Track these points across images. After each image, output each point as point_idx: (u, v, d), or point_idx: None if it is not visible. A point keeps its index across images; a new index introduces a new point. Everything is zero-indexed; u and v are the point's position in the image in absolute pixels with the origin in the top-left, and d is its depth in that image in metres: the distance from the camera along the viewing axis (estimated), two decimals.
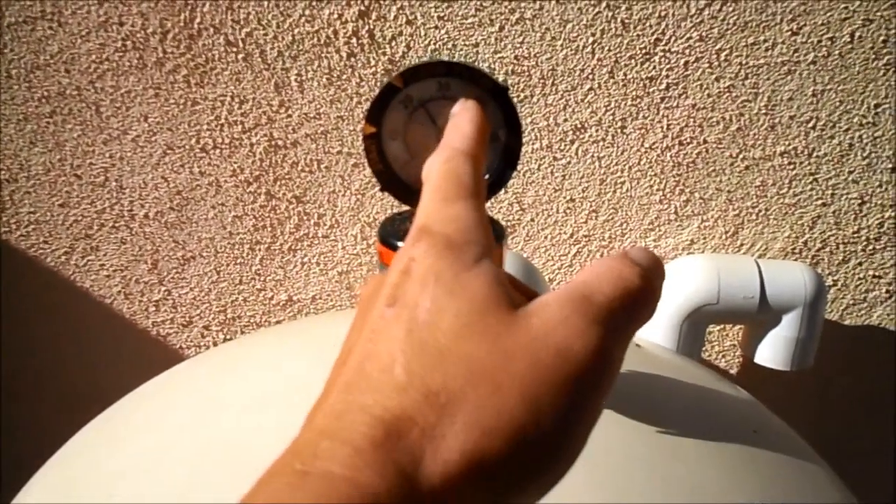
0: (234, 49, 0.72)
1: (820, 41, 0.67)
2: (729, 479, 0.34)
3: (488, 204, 0.34)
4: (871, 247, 0.75)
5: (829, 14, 0.66)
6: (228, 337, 0.85)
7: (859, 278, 0.76)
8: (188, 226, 0.80)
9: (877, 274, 0.76)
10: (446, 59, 0.36)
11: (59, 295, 0.85)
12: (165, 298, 0.84)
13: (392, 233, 0.32)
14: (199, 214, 0.79)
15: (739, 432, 0.38)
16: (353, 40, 0.71)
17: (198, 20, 0.71)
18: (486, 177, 0.31)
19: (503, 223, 0.78)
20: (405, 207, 0.33)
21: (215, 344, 0.86)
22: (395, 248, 0.32)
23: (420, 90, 0.29)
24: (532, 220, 0.77)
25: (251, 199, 0.78)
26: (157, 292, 0.84)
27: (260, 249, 0.80)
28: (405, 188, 0.31)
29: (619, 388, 0.40)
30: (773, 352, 0.69)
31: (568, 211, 0.76)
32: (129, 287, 0.84)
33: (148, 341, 0.86)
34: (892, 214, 0.73)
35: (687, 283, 0.69)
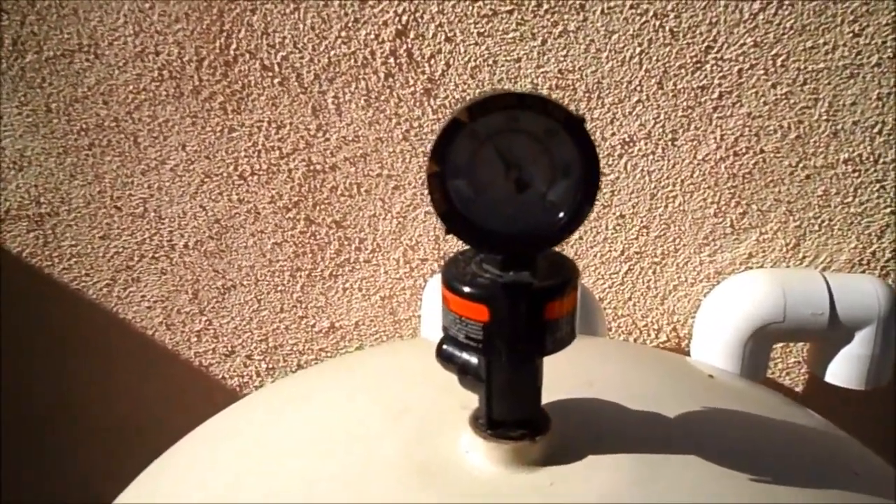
0: (270, 74, 0.71)
1: (885, 42, 0.64)
2: None
3: (559, 247, 0.31)
4: None
5: (893, 14, 0.63)
6: (271, 366, 0.84)
7: None
8: (227, 254, 0.79)
9: None
10: (518, 90, 0.34)
11: (101, 328, 0.84)
12: (207, 328, 0.83)
13: (456, 276, 0.30)
14: (238, 242, 0.78)
15: (841, 475, 0.35)
16: (391, 60, 0.69)
17: (233, 46, 0.70)
18: (561, 215, 0.28)
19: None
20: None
21: (258, 373, 0.85)
22: (460, 294, 0.30)
23: (487, 124, 0.27)
24: (580, 237, 0.74)
25: (290, 226, 0.77)
26: (199, 322, 0.83)
27: (300, 276, 0.79)
28: (471, 228, 0.29)
29: (702, 426, 0.37)
30: (846, 370, 0.65)
31: (618, 227, 0.73)
32: (171, 318, 0.83)
33: (191, 372, 0.85)
34: None
35: (749, 300, 0.65)
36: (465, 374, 0.33)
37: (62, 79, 0.73)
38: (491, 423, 0.33)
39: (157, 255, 0.80)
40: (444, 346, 0.34)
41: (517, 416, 0.33)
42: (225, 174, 0.75)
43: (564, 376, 0.40)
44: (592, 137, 0.28)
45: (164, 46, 0.71)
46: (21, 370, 0.88)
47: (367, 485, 0.34)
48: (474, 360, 0.33)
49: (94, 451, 0.90)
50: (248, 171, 0.75)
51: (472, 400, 0.36)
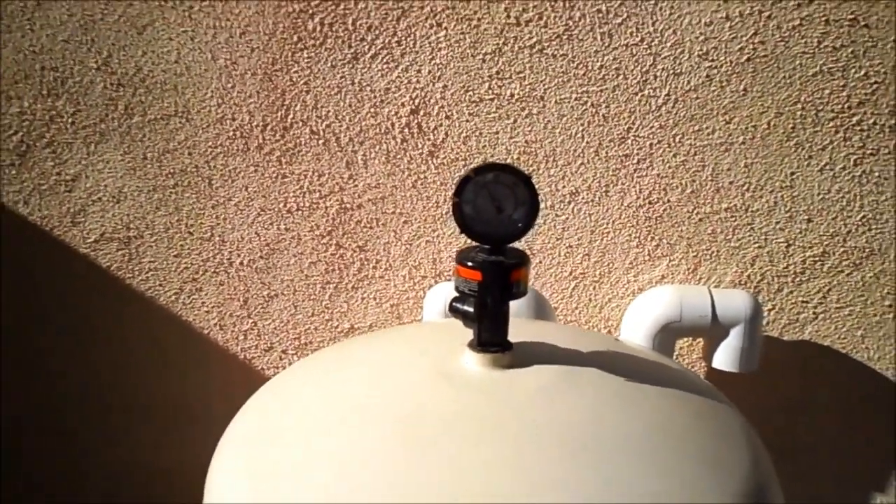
0: (316, 136, 0.97)
1: (747, 128, 0.92)
2: (666, 405, 0.57)
3: (520, 241, 0.57)
4: (797, 279, 0.98)
5: (751, 108, 0.92)
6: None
7: (791, 303, 0.99)
8: (273, 270, 1.03)
9: (804, 300, 0.99)
10: (500, 161, 0.60)
11: (166, 328, 1.07)
12: (252, 329, 1.07)
13: (465, 257, 0.56)
14: (282, 261, 1.03)
15: (687, 385, 0.61)
16: (406, 130, 0.96)
17: (290, 116, 0.96)
18: (520, 225, 0.55)
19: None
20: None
21: (290, 365, 1.08)
22: (466, 266, 0.55)
23: (483, 178, 0.54)
24: (540, 262, 1.00)
25: (324, 249, 1.02)
26: (246, 324, 1.06)
27: (329, 288, 1.03)
28: (473, 232, 0.55)
29: (604, 357, 0.62)
30: (724, 358, 0.91)
31: (567, 255, 1.00)
32: (224, 320, 1.06)
33: (236, 365, 1.08)
34: (811, 254, 0.97)
35: (658, 306, 0.92)
36: (465, 318, 0.58)
37: (158, 135, 0.99)
38: (480, 344, 0.58)
39: (217, 271, 1.04)
40: (454, 303, 0.59)
41: (494, 340, 0.58)
42: (276, 209, 1.01)
43: (526, 334, 0.65)
44: (537, 187, 0.55)
45: (238, 114, 0.97)
46: (99, 361, 1.10)
47: (415, 383, 0.58)
48: (471, 309, 0.58)
49: (151, 427, 1.12)
50: (295, 207, 1.00)
51: (465, 341, 0.61)
